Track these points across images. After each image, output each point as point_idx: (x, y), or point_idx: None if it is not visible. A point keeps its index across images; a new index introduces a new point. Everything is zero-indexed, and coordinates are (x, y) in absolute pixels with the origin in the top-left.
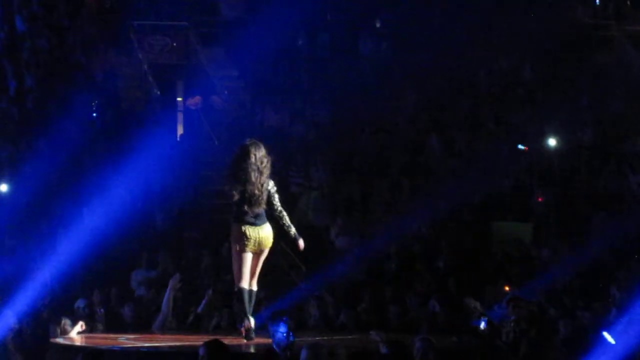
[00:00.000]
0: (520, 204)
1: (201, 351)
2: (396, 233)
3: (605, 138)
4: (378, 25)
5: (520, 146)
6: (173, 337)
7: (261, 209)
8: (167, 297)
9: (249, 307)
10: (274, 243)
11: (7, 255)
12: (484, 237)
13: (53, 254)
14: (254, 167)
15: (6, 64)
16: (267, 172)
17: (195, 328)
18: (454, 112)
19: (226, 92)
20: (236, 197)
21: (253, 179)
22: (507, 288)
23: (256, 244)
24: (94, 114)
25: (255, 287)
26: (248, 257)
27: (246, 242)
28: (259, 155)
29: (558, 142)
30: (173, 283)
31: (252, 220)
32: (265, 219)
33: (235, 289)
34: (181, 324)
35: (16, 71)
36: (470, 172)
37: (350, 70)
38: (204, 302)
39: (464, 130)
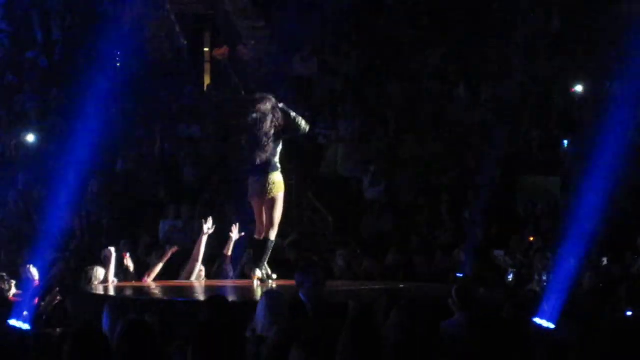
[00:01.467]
0: (547, 156)
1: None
2: (424, 184)
3: (632, 89)
4: None
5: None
6: (200, 285)
7: (265, 156)
8: (199, 243)
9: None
10: (301, 194)
11: (36, 205)
12: (511, 188)
13: (81, 203)
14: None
15: (33, 14)
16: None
17: (219, 276)
18: (482, 62)
19: (253, 42)
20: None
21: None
22: (531, 239)
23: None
24: (118, 64)
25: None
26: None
27: (250, 191)
28: (263, 108)
29: (586, 92)
30: (206, 227)
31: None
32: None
33: (264, 239)
34: (207, 272)
35: (43, 21)
36: (498, 123)
37: (378, 20)
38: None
39: (492, 81)
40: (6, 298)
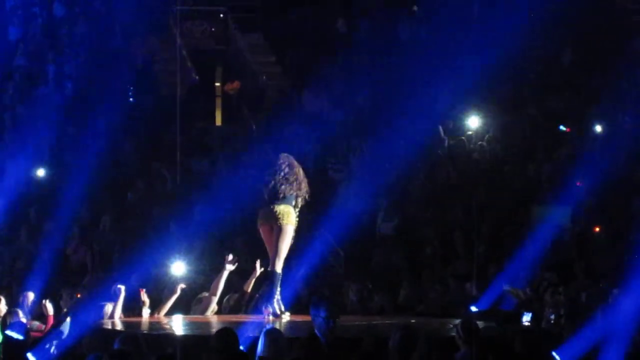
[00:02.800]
0: (559, 189)
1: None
2: (436, 219)
3: None
4: (416, 9)
5: (562, 127)
6: (216, 320)
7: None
8: (219, 278)
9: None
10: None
11: (43, 239)
12: (523, 221)
13: (93, 238)
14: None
15: (46, 49)
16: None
17: (235, 311)
18: (493, 96)
19: (264, 77)
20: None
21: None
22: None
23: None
24: (131, 99)
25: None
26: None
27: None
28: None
29: (598, 126)
30: (228, 264)
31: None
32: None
33: (270, 273)
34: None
35: (55, 57)
36: (508, 157)
37: (389, 55)
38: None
39: (504, 115)
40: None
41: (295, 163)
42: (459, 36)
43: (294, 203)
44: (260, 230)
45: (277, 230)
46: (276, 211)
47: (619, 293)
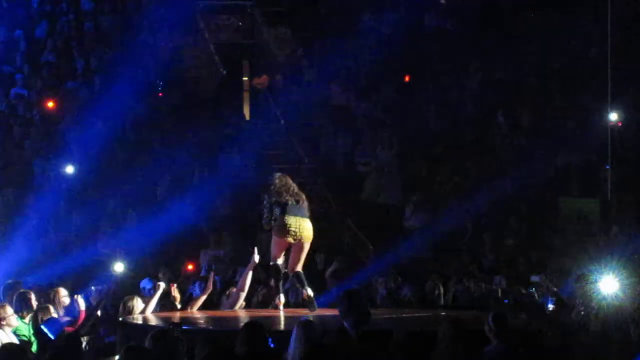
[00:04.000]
0: (588, 181)
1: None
2: (464, 211)
3: None
4: (443, 1)
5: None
6: (243, 314)
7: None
8: (247, 273)
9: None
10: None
11: (75, 234)
12: (551, 213)
13: (121, 233)
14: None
15: (74, 45)
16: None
17: (263, 306)
18: (520, 88)
19: (291, 71)
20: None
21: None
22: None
23: (297, 234)
24: (160, 94)
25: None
26: (284, 244)
27: (288, 234)
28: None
29: (623, 118)
30: (252, 260)
31: (295, 210)
32: (307, 214)
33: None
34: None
35: (83, 52)
36: (537, 149)
37: (416, 48)
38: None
39: (531, 107)
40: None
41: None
42: (485, 29)
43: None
44: (280, 239)
45: (299, 245)
46: (305, 229)
47: None
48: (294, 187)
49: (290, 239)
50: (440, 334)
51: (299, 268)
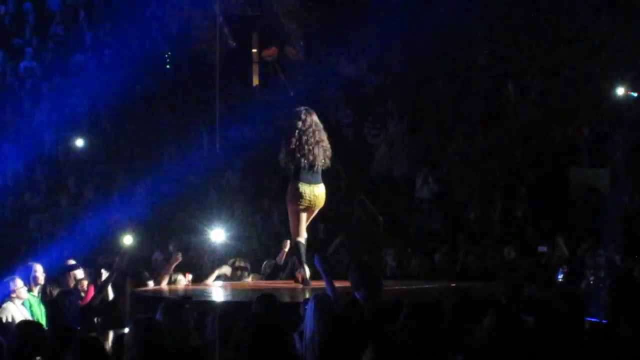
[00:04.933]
0: (597, 151)
1: (254, 305)
2: (474, 182)
3: None
4: None
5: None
6: (252, 286)
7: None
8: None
9: (304, 257)
10: (353, 194)
11: (86, 207)
12: (561, 183)
13: (132, 205)
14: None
15: (82, 18)
16: (318, 136)
17: (274, 277)
18: (529, 58)
19: (301, 43)
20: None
21: (305, 145)
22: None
23: (311, 202)
24: (168, 67)
25: (305, 235)
26: (303, 214)
27: (301, 200)
28: (309, 121)
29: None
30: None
31: (309, 178)
32: (321, 178)
33: (293, 244)
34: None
35: (91, 25)
36: (546, 119)
37: (425, 18)
38: (281, 253)
39: (539, 77)
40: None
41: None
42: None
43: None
44: (295, 208)
45: (312, 212)
46: (322, 197)
47: None
48: (314, 136)
49: (304, 205)
50: (446, 305)
51: (304, 233)
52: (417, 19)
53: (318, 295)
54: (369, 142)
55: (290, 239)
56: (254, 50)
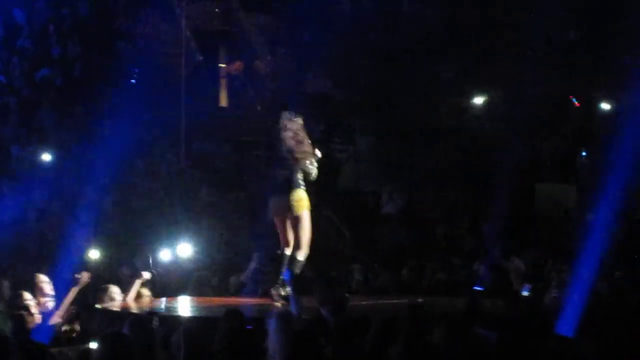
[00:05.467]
0: (564, 166)
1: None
2: (441, 198)
3: None
4: None
5: (574, 100)
6: (220, 301)
7: (286, 173)
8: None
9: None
10: (319, 210)
11: (53, 222)
12: (528, 198)
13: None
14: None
15: (51, 31)
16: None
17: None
18: (496, 75)
19: (269, 58)
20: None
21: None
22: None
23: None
24: (133, 81)
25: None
26: (278, 223)
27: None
28: (289, 125)
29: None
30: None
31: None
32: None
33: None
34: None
35: (60, 38)
36: (513, 135)
37: (393, 33)
38: (250, 268)
39: (505, 92)
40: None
41: (290, 120)
42: (463, 14)
43: (299, 180)
44: (275, 221)
45: (293, 220)
46: (288, 202)
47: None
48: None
49: (282, 216)
50: (401, 322)
51: (301, 253)
52: (385, 33)
53: (280, 312)
54: (336, 157)
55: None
56: (221, 65)
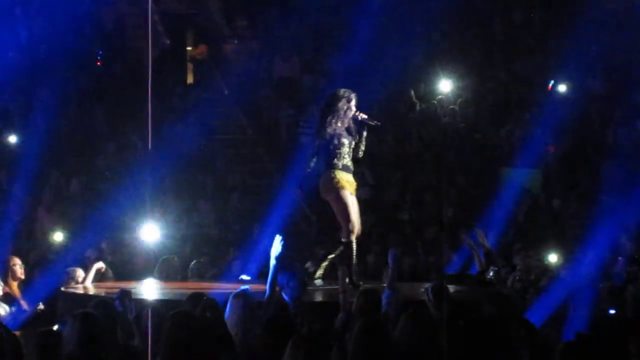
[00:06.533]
0: (530, 153)
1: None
2: (406, 183)
3: (615, 86)
4: None
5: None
6: (182, 284)
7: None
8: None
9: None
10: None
11: (17, 206)
12: (492, 183)
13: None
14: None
15: (17, 13)
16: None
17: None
18: (463, 59)
19: (236, 42)
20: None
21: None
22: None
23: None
24: (99, 64)
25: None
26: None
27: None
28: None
29: (567, 89)
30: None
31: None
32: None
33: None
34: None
35: (25, 21)
36: (480, 121)
37: (361, 18)
38: None
39: (473, 78)
40: None
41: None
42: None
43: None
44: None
45: (331, 201)
46: (321, 183)
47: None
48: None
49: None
50: (355, 307)
51: (344, 234)
52: (352, 17)
53: (237, 293)
54: (302, 141)
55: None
56: (189, 49)
